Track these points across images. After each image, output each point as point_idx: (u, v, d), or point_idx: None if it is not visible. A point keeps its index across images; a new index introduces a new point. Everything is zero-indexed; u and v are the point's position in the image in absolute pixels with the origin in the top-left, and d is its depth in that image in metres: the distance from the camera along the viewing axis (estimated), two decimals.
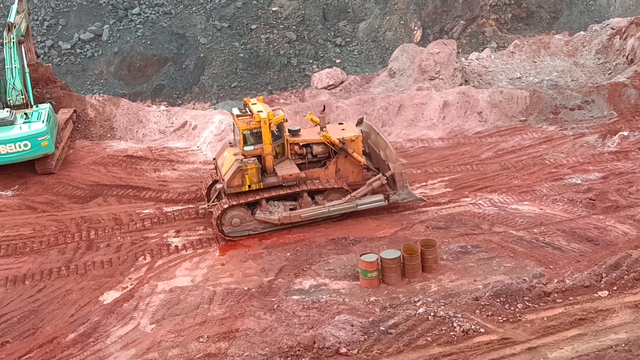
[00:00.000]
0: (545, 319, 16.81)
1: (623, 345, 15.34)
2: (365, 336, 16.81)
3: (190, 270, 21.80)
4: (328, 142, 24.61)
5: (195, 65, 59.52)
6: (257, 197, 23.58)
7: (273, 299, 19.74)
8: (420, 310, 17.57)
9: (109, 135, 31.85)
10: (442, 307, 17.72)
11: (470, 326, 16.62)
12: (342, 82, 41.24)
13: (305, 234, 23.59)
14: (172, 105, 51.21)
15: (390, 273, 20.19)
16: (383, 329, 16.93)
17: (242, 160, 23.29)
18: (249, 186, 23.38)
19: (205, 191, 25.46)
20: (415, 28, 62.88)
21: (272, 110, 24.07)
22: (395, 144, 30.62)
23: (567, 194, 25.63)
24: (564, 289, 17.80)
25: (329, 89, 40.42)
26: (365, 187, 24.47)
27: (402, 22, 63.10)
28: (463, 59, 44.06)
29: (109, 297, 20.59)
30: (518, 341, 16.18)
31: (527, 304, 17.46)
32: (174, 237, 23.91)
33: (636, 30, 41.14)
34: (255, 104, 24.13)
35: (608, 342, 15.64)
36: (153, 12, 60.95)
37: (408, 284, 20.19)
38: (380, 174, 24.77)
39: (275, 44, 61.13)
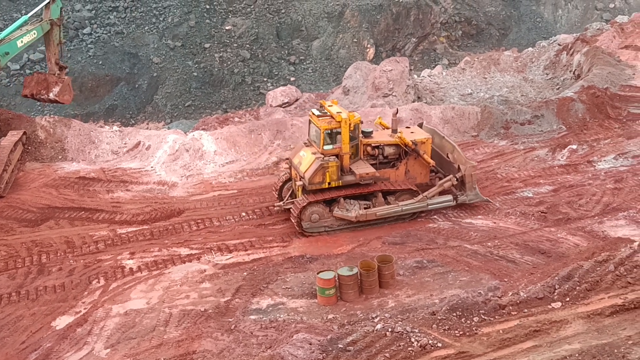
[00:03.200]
0: (500, 331, 16.95)
1: (577, 355, 15.54)
2: (324, 354, 16.71)
3: (145, 293, 21.47)
4: (402, 144, 25.67)
5: (149, 85, 59.02)
6: (336, 194, 24.61)
7: (230, 320, 19.55)
8: (378, 326, 17.57)
9: (60, 157, 31.27)
10: (400, 322, 17.76)
11: (428, 341, 16.67)
12: (296, 100, 41.40)
13: (264, 255, 23.50)
14: (126, 125, 50.67)
15: (347, 290, 20.20)
16: (341, 346, 16.86)
17: (323, 158, 24.29)
18: (329, 183, 24.55)
19: (277, 191, 26.50)
20: (368, 46, 63.51)
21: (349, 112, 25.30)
22: None
23: (520, 208, 26.07)
24: (518, 302, 18.00)
25: (283, 107, 40.53)
26: (436, 187, 25.78)
27: (355, 40, 63.68)
28: (415, 76, 44.70)
29: (62, 322, 20.13)
30: (475, 355, 16.27)
31: (483, 317, 17.60)
32: (129, 259, 23.56)
33: (582, 46, 42.30)
34: (332, 105, 25.24)
35: (562, 352, 15.82)
36: (104, 32, 60.32)
37: (366, 300, 20.21)
38: (451, 175, 25.89)
39: (229, 63, 61.03)
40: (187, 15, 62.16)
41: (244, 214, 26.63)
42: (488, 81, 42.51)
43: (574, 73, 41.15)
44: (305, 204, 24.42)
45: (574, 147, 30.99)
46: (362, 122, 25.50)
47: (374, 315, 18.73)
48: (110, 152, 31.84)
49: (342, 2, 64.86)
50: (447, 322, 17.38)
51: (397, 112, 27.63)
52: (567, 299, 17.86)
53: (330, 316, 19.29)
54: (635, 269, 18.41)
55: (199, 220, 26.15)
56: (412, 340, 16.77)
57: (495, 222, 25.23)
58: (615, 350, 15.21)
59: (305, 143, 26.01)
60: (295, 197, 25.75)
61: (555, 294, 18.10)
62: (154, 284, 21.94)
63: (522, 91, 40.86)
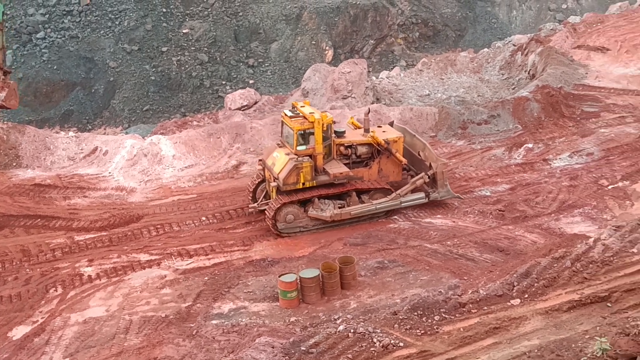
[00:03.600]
0: (461, 329, 17.14)
1: (536, 351, 15.79)
2: (287, 357, 16.69)
3: (104, 300, 21.15)
4: (375, 143, 25.80)
5: (105, 90, 58.30)
6: (311, 195, 24.69)
7: (192, 325, 19.37)
8: (341, 327, 17.61)
9: (14, 164, 30.64)
10: (362, 323, 17.83)
11: (390, 341, 16.77)
12: (255, 103, 41.28)
13: (225, 258, 23.38)
14: (82, 130, 49.77)
15: (309, 292, 20.19)
16: (304, 348, 16.86)
17: (297, 159, 24.33)
18: (303, 184, 24.57)
19: (251, 192, 26.52)
20: (327, 48, 63.71)
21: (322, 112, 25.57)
22: None
23: (478, 206, 26.38)
24: (478, 299, 18.22)
25: (242, 110, 40.37)
26: (409, 185, 26.06)
27: (313, 42, 63.81)
28: (374, 78, 44.94)
29: (19, 332, 19.72)
30: (436, 353, 16.42)
31: (444, 315, 17.77)
32: (87, 266, 23.19)
33: (536, 46, 43.04)
34: (304, 106, 25.41)
35: (522, 349, 16.06)
36: (59, 37, 59.38)
37: (328, 302, 20.22)
38: (423, 173, 26.12)
39: (187, 66, 60.64)
40: (143, 19, 61.56)
41: (204, 218, 26.44)
42: (445, 82, 42.96)
43: (528, 73, 41.84)
44: (279, 204, 24.45)
45: (530, 145, 31.48)
46: (334, 122, 25.63)
47: (336, 317, 18.76)
48: (67, 158, 31.33)
49: (299, 4, 64.96)
50: (409, 322, 17.50)
51: (369, 112, 27.85)
52: (526, 296, 18.14)
53: (292, 319, 19.26)
54: (591, 265, 18.78)
55: (159, 226, 25.89)
56: (375, 340, 16.85)
57: (454, 221, 25.49)
58: (573, 345, 15.50)
59: (278, 144, 26.02)
60: (269, 198, 25.74)
61: (514, 291, 18.37)
62: (113, 291, 21.63)
63: (478, 91, 41.39)
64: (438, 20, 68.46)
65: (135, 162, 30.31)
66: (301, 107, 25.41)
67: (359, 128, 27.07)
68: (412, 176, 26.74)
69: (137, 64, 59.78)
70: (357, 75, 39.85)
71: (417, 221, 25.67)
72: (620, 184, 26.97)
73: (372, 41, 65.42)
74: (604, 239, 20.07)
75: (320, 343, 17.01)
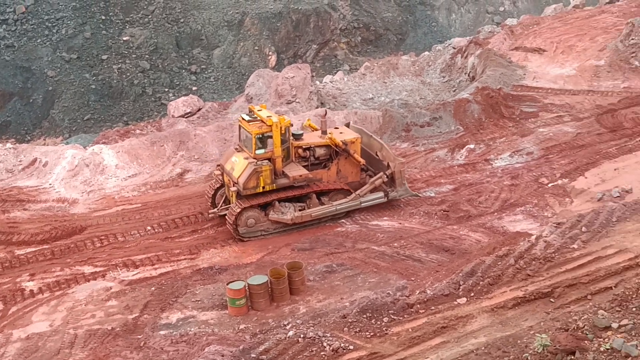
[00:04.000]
0: (410, 330, 17.32)
1: (483, 348, 16.06)
2: None
3: (48, 315, 20.66)
4: (333, 144, 25.97)
5: (44, 99, 56.98)
6: (271, 198, 24.76)
7: (139, 337, 19.07)
8: (290, 333, 17.60)
9: None
10: (312, 328, 17.85)
11: (340, 344, 16.83)
12: (199, 110, 40.90)
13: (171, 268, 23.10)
14: (20, 142, 48.51)
15: (258, 299, 20.10)
16: (254, 356, 16.78)
17: (256, 163, 24.36)
18: (263, 187, 24.63)
19: (210, 198, 26.49)
20: (270, 53, 63.66)
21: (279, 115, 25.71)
22: None
23: (423, 207, 26.70)
24: (425, 300, 18.45)
25: (186, 117, 39.95)
26: (368, 185, 26.28)
27: (256, 47, 63.68)
28: (318, 82, 45.10)
29: None
30: (386, 355, 16.54)
31: (392, 317, 17.93)
32: (29, 280, 22.59)
33: (475, 49, 43.87)
34: (261, 110, 25.47)
35: (469, 346, 16.31)
36: None
37: (277, 308, 20.18)
38: (382, 173, 26.32)
39: (128, 74, 59.77)
40: (81, 27, 60.42)
41: (149, 227, 26.08)
42: (388, 85, 43.40)
43: (468, 75, 42.58)
44: (240, 209, 24.35)
45: (472, 146, 32.03)
46: (292, 125, 25.66)
47: (285, 323, 18.74)
48: (4, 170, 30.48)
49: (241, 10, 64.75)
50: (358, 325, 17.60)
51: (325, 114, 28.04)
52: (472, 294, 18.44)
53: (241, 326, 19.16)
54: (533, 262, 19.22)
55: (103, 237, 25.43)
56: (325, 344, 16.89)
57: (400, 223, 25.74)
58: (519, 341, 15.81)
59: (236, 148, 26.00)
60: (229, 203, 25.65)
61: (460, 290, 18.66)
62: (57, 305, 21.14)
63: (420, 94, 41.94)
64: (379, 25, 69.13)
65: (77, 173, 29.71)
66: (258, 110, 25.41)
67: (316, 130, 27.25)
68: (371, 176, 26.97)
69: (77, 72, 58.62)
70: (301, 80, 39.93)
71: (364, 224, 25.84)
72: (559, 181, 27.67)
73: (315, 46, 65.67)
74: (546, 236, 20.58)
75: (270, 349, 16.96)
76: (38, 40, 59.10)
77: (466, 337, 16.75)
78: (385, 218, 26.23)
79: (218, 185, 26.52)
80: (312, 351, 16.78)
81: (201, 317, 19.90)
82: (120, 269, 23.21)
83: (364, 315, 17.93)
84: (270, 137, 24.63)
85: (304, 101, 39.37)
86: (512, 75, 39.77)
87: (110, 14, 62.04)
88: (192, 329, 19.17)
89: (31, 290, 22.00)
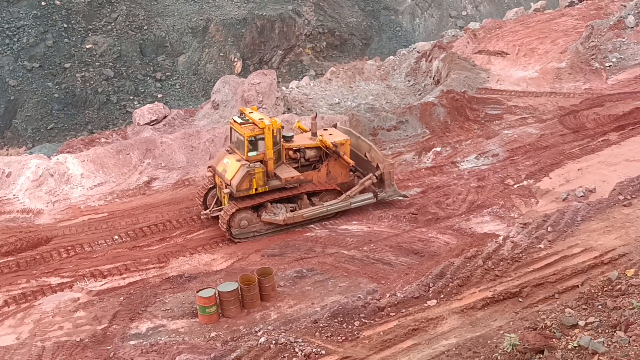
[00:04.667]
0: (381, 333, 17.40)
1: (454, 349, 16.21)
2: None
3: (14, 328, 20.29)
4: (323, 146, 26.24)
5: (6, 109, 56.09)
6: (263, 200, 25.07)
7: (108, 347, 18.85)
8: (262, 339, 17.57)
9: None
10: (283, 333, 17.84)
11: (312, 349, 16.84)
12: (165, 117, 40.56)
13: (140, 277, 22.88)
14: None
15: (229, 306, 20.01)
16: None
17: (249, 165, 24.64)
18: (256, 189, 24.91)
19: (202, 199, 26.65)
20: (235, 59, 63.54)
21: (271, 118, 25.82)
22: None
23: (391, 211, 26.84)
24: (396, 302, 18.56)
25: (152, 125, 39.60)
26: (357, 186, 26.57)
27: (221, 54, 63.51)
28: (284, 88, 45.07)
29: None
30: (358, 358, 16.60)
31: (364, 320, 18.00)
32: None
33: (439, 52, 44.27)
34: (252, 112, 25.62)
35: (440, 348, 16.45)
36: None
37: (248, 314, 20.11)
38: (371, 174, 26.68)
39: (92, 82, 59.16)
40: (43, 35, 59.64)
41: (116, 237, 25.80)
42: (354, 90, 43.56)
43: (433, 78, 42.94)
44: (233, 211, 24.56)
45: (438, 149, 32.30)
46: (283, 127, 25.96)
47: (257, 329, 18.69)
48: None
49: (205, 17, 64.54)
50: (330, 329, 17.64)
51: (316, 116, 28.35)
52: (442, 296, 18.61)
53: (212, 334, 19.05)
54: (501, 262, 19.47)
55: (69, 247, 25.08)
56: (297, 350, 16.90)
57: (369, 227, 25.84)
58: (489, 341, 15.98)
59: (227, 150, 26.20)
60: (220, 204, 25.91)
61: (430, 292, 18.82)
62: (23, 318, 20.78)
63: (386, 98, 42.15)
64: (344, 30, 69.44)
65: (41, 183, 29.27)
66: (249, 113, 25.62)
67: (306, 132, 27.56)
68: (359, 177, 27.34)
69: (39, 81, 57.84)
70: (267, 86, 39.87)
71: (333, 228, 25.88)
72: (525, 182, 28.03)
73: (280, 52, 65.71)
74: (513, 237, 20.86)
75: (242, 357, 16.92)
76: None
77: (437, 339, 16.89)
78: (354, 222, 26.31)
79: (210, 187, 26.71)
80: (284, 357, 16.77)
81: (171, 326, 19.75)
82: (88, 280, 22.91)
83: (335, 320, 17.97)
84: (262, 139, 24.86)
85: (271, 107, 39.32)
86: (476, 78, 40.20)
87: (73, 21, 61.34)
88: (163, 338, 19.00)
89: None
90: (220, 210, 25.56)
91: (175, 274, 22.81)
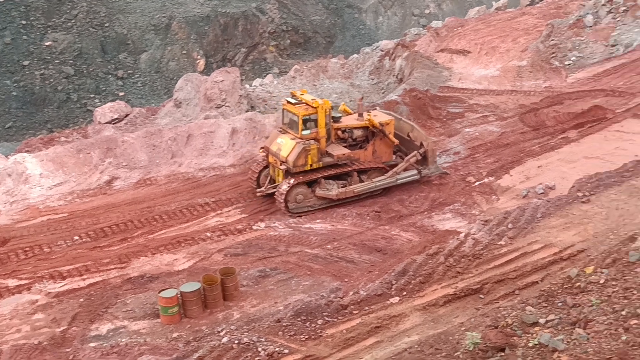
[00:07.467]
0: (344, 331, 17.42)
1: (416, 346, 16.26)
2: None
3: None
4: (371, 126, 27.66)
5: None
6: (317, 175, 26.59)
7: (68, 350, 18.55)
8: (224, 339, 17.47)
9: None
10: (246, 333, 17.75)
11: (275, 349, 16.79)
12: (127, 115, 40.04)
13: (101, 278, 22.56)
14: None
15: (191, 306, 19.85)
16: None
17: (304, 142, 26.14)
18: (311, 165, 26.47)
19: (255, 178, 27.91)
20: (198, 57, 63.00)
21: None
22: (186, 174, 30.36)
23: (355, 209, 26.90)
24: (359, 300, 18.60)
25: (113, 123, 39.07)
26: (403, 163, 27.89)
27: (184, 51, 62.93)
28: (247, 86, 44.90)
29: None
30: (321, 357, 16.59)
31: (327, 319, 18.00)
32: None
33: (402, 51, 44.53)
34: (303, 94, 27.37)
35: (402, 345, 16.51)
36: None
37: (210, 314, 19.97)
38: (416, 152, 27.91)
39: (51, 80, 58.09)
40: (1, 32, 58.44)
41: (76, 237, 25.40)
42: (318, 88, 43.56)
43: (396, 77, 43.17)
44: (290, 186, 26.03)
45: None
46: (332, 108, 27.19)
47: (219, 329, 18.58)
48: None
49: (168, 14, 63.89)
50: (293, 328, 17.60)
51: (362, 98, 30.23)
52: (404, 293, 18.70)
53: (175, 335, 18.88)
54: (463, 259, 19.63)
55: (27, 248, 24.63)
56: (259, 349, 16.84)
57: (333, 225, 25.87)
58: (450, 338, 16.06)
59: (280, 130, 27.63)
60: (273, 183, 27.33)
61: (393, 289, 18.89)
62: None
63: (350, 96, 42.22)
64: (308, 28, 69.32)
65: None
66: (301, 95, 27.22)
67: (350, 114, 28.95)
68: (401, 157, 28.50)
69: None
70: (230, 84, 39.66)
71: (297, 227, 25.84)
72: (486, 180, 28.32)
73: (244, 49, 65.34)
74: (474, 234, 21.05)
75: (204, 357, 16.80)
76: None
77: (399, 336, 16.97)
78: (318, 220, 26.31)
79: (263, 166, 27.93)
80: (247, 357, 16.69)
81: (133, 327, 19.52)
82: (47, 281, 22.51)
83: (299, 319, 17.94)
84: (315, 119, 26.37)
85: (234, 105, 39.13)
86: (439, 76, 40.51)
87: (32, 18, 60.19)
88: (124, 340, 18.77)
89: None
90: (275, 188, 26.81)
91: (137, 275, 22.54)
